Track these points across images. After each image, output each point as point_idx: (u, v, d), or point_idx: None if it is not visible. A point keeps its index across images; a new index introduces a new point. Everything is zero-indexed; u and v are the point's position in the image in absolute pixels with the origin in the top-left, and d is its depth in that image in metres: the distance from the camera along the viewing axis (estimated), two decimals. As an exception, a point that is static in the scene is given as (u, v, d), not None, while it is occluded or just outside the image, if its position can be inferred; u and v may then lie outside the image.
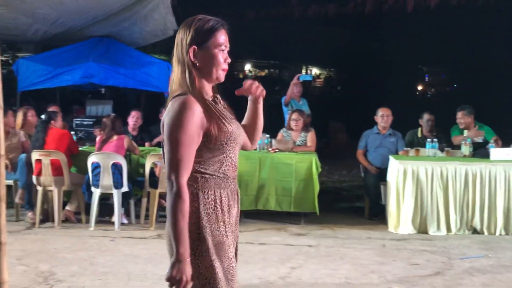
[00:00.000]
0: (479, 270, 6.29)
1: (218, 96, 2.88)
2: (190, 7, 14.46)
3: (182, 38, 2.76)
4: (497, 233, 7.92)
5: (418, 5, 12.79)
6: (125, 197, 8.21)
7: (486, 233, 7.93)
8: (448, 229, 7.94)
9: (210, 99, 2.81)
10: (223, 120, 2.75)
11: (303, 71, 27.57)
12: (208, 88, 2.83)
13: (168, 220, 2.65)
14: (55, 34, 11.35)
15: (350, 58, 23.86)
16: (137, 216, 8.45)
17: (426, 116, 9.31)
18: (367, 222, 8.75)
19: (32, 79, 10.44)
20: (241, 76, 28.92)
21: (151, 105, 13.43)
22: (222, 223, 2.71)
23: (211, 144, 2.69)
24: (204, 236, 2.67)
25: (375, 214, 8.88)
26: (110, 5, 9.99)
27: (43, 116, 8.50)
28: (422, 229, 7.97)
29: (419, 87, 24.64)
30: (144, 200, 8.34)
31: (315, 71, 29.75)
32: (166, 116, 2.67)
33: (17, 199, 8.36)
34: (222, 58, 2.81)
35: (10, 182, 8.40)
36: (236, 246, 2.87)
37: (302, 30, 22.32)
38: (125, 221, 8.33)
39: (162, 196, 8.39)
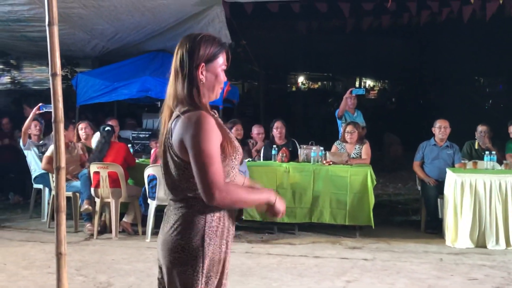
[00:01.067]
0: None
1: (215, 111, 2.94)
2: (244, 20, 14.57)
3: (190, 54, 2.82)
4: None
5: (474, 16, 12.61)
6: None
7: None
8: (508, 243, 7.77)
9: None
10: (230, 135, 2.85)
11: (357, 83, 27.40)
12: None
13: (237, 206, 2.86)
14: (112, 49, 11.59)
15: (404, 70, 23.59)
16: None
17: (479, 128, 9.17)
18: (424, 235, 8.61)
19: (90, 93, 10.65)
20: (294, 89, 28.91)
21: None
22: (224, 241, 2.80)
23: (222, 157, 2.75)
24: (205, 254, 2.73)
25: (433, 227, 8.74)
26: (165, 20, 10.15)
27: (107, 128, 8.63)
28: (480, 243, 7.82)
29: (476, 99, 24.19)
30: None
31: (369, 83, 29.54)
32: (185, 134, 2.69)
33: (83, 208, 8.46)
34: (222, 77, 2.92)
35: (69, 194, 8.57)
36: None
37: (356, 42, 22.18)
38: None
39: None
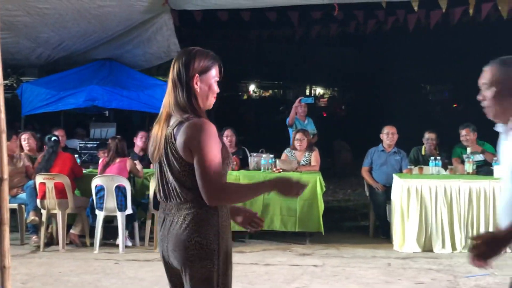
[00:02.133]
0: (485, 288, 6.27)
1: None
2: (194, 28, 14.56)
3: (186, 66, 3.10)
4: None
5: (419, 24, 12.85)
6: (129, 219, 8.21)
7: (492, 250, 7.88)
8: (453, 247, 7.91)
9: None
10: (223, 141, 3.10)
11: (307, 91, 27.66)
12: None
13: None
14: (59, 57, 11.43)
15: (353, 78, 23.92)
16: (142, 238, 8.44)
17: (426, 135, 9.33)
18: (372, 240, 8.72)
19: (36, 103, 10.48)
20: (245, 97, 28.99)
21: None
22: (229, 235, 3.05)
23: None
24: (221, 247, 2.96)
25: (382, 232, 8.86)
26: (112, 28, 10.07)
27: (53, 138, 8.50)
28: (427, 248, 7.95)
29: (423, 106, 24.67)
30: (149, 222, 8.32)
31: (319, 91, 29.80)
32: (191, 138, 2.91)
33: (29, 219, 8.30)
34: (215, 87, 3.16)
35: (15, 205, 8.40)
36: None
37: (306, 51, 22.41)
38: (130, 244, 8.32)
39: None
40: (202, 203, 2.92)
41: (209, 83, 3.13)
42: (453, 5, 10.77)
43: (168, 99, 3.11)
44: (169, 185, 3.02)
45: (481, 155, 8.81)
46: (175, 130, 2.98)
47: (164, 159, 3.02)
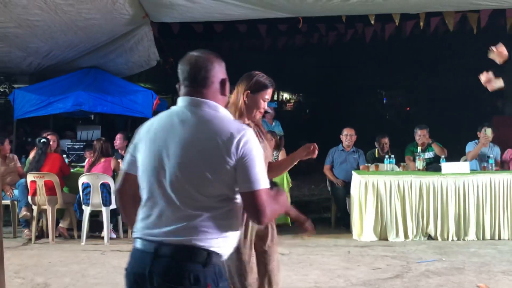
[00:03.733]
0: (434, 273, 6.35)
1: (251, 124, 3.76)
2: (172, 39, 14.51)
3: (244, 83, 3.74)
4: (450, 239, 8.00)
5: (375, 36, 12.96)
6: (113, 213, 8.16)
7: (439, 239, 8.01)
8: (406, 236, 8.01)
9: None
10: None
11: (275, 96, 27.68)
12: (246, 121, 3.73)
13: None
14: (48, 66, 11.30)
15: (317, 84, 24.03)
16: (125, 231, 8.39)
17: (381, 140, 9.39)
18: (334, 231, 8.77)
19: (27, 108, 10.34)
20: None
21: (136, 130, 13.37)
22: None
23: None
24: (247, 235, 3.59)
25: (343, 223, 8.93)
26: (97, 39, 9.99)
27: (43, 140, 8.41)
28: (383, 236, 8.03)
29: (378, 109, 24.90)
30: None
31: (286, 96, 29.86)
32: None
33: (21, 215, 8.21)
34: (262, 105, 3.73)
35: (8, 202, 8.31)
36: None
37: (273, 60, 22.45)
38: (114, 236, 8.28)
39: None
40: None
41: (257, 99, 3.66)
42: (405, 19, 10.89)
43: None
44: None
45: (430, 153, 8.93)
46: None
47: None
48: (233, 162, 2.36)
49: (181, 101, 2.55)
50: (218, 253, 2.44)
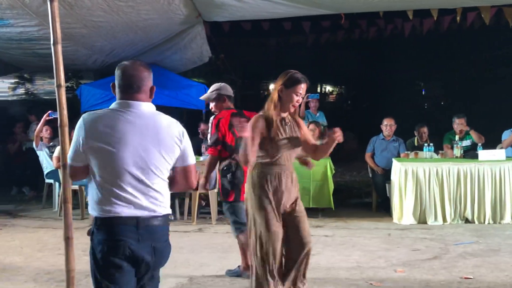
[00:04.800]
0: (471, 254, 6.22)
1: (288, 117, 4.08)
2: (223, 37, 14.54)
3: (279, 80, 4.02)
4: (486, 222, 7.84)
5: (414, 30, 12.71)
6: (171, 197, 8.24)
7: (476, 222, 7.85)
8: (444, 219, 7.87)
9: (279, 119, 4.02)
10: (278, 132, 3.95)
11: (318, 89, 27.47)
12: (282, 113, 4.04)
13: None
14: (111, 63, 11.50)
15: (357, 77, 23.75)
16: (181, 213, 8.50)
17: (418, 128, 9.23)
18: (375, 215, 8.70)
19: (92, 102, 10.55)
20: (265, 94, 28.89)
21: (192, 121, 13.49)
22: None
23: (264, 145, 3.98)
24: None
25: (383, 208, 8.83)
26: (155, 38, 10.10)
27: None
28: (421, 220, 7.91)
29: (417, 100, 24.45)
30: (187, 200, 8.39)
31: (328, 88, 29.60)
32: None
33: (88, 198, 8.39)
34: (295, 99, 3.99)
35: (76, 187, 8.50)
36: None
37: (316, 55, 22.28)
38: (172, 218, 8.38)
39: (202, 196, 8.44)
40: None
41: (290, 95, 3.94)
42: (443, 13, 10.64)
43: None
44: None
45: (468, 141, 8.75)
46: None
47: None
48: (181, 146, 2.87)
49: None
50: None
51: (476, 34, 14.42)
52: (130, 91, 2.89)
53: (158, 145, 2.80)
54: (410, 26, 12.36)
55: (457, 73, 19.94)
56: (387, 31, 13.44)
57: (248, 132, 3.82)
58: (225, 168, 5.32)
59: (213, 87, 5.61)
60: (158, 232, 2.83)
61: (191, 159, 2.95)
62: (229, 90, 5.58)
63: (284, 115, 4.05)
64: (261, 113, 4.03)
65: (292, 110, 4.03)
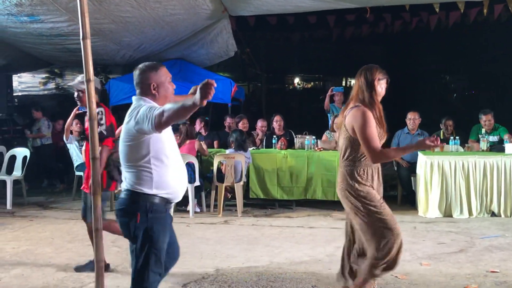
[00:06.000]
0: (497, 248, 6.12)
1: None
2: (248, 31, 14.52)
3: (372, 73, 3.99)
4: (513, 215, 7.71)
5: (439, 23, 12.52)
6: (197, 190, 8.30)
7: (502, 215, 7.71)
8: (470, 213, 7.76)
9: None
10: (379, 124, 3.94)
11: (343, 83, 27.29)
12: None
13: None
14: (139, 58, 11.57)
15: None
16: (208, 206, 8.53)
17: (446, 122, 9.10)
18: (400, 208, 8.59)
19: (121, 96, 10.65)
20: (290, 88, 28.83)
21: (218, 114, 13.52)
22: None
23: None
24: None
25: (408, 201, 8.73)
26: (181, 32, 10.13)
27: None
28: (447, 213, 7.81)
29: (443, 93, 24.14)
30: (213, 192, 8.41)
31: (353, 82, 29.41)
32: (355, 121, 3.86)
33: (117, 190, 8.44)
34: (383, 92, 4.06)
35: (105, 179, 8.57)
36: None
37: (341, 49, 22.15)
38: (198, 210, 8.42)
39: (227, 189, 8.46)
40: (355, 161, 3.97)
41: (382, 87, 4.01)
42: (469, 6, 10.45)
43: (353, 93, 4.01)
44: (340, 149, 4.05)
45: (495, 137, 8.60)
46: (347, 112, 3.95)
47: (341, 133, 3.98)
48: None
49: None
50: None
51: (503, 27, 14.14)
52: None
53: None
54: (436, 19, 12.18)
55: (483, 66, 19.63)
56: (412, 25, 13.26)
57: (370, 126, 3.81)
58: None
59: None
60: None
61: None
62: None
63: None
64: (361, 105, 3.92)
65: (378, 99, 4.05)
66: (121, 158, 3.43)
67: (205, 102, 3.07)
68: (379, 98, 4.00)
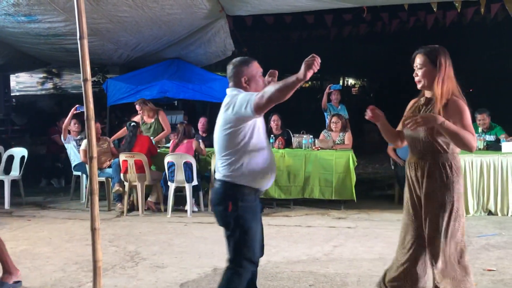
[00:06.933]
0: (494, 246, 6.13)
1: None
2: (245, 31, 14.51)
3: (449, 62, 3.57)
4: (509, 214, 7.72)
5: (436, 23, 12.55)
6: (195, 189, 8.30)
7: (499, 214, 7.73)
8: (467, 211, 7.75)
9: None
10: None
11: (341, 82, 27.30)
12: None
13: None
14: (136, 57, 11.57)
15: (379, 70, 23.55)
16: (206, 205, 8.53)
17: None
18: (397, 206, 8.57)
19: (118, 95, 10.63)
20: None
21: (215, 114, 13.50)
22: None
23: None
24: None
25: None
26: (178, 32, 10.12)
27: (133, 124, 8.66)
28: (444, 212, 7.80)
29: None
30: (211, 192, 8.41)
31: (350, 81, 29.38)
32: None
33: (114, 189, 8.45)
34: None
35: (103, 179, 8.59)
36: None
37: (339, 48, 22.14)
38: (196, 209, 8.42)
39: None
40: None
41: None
42: (466, 5, 10.47)
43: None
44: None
45: (492, 136, 8.60)
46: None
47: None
48: None
49: None
50: None
51: (500, 26, 14.16)
52: None
53: None
54: (433, 19, 12.20)
55: (480, 65, 19.66)
56: (410, 24, 13.28)
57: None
58: None
59: None
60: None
61: None
62: None
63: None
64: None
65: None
66: (216, 148, 3.59)
67: (309, 75, 3.16)
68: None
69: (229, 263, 3.50)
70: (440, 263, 3.45)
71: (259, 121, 3.52)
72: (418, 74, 3.62)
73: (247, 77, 3.58)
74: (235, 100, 3.42)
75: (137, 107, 9.45)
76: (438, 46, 3.65)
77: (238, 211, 3.42)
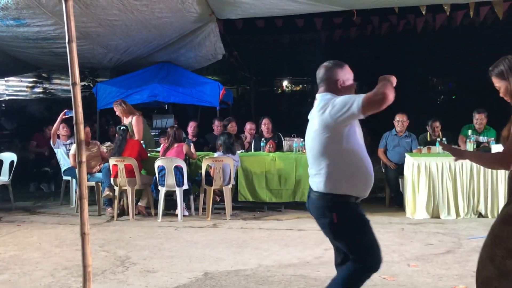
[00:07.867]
0: (485, 248, 6.15)
1: None
2: (236, 35, 14.53)
3: None
4: (500, 216, 7.74)
5: (426, 26, 12.61)
6: (186, 193, 8.27)
7: (490, 216, 7.76)
8: (457, 214, 7.80)
9: None
10: None
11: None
12: None
13: None
14: (126, 61, 11.54)
15: (370, 73, 23.65)
16: (196, 209, 8.51)
17: (431, 123, 9.16)
18: (388, 209, 8.64)
19: (108, 99, 10.60)
20: (279, 91, 28.86)
21: (206, 117, 13.50)
22: None
23: None
24: None
25: (396, 202, 8.77)
26: (169, 35, 10.11)
27: (122, 128, 8.61)
28: (435, 215, 7.85)
29: (430, 95, 24.29)
30: (201, 196, 8.40)
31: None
32: None
33: (105, 194, 8.40)
34: None
35: (93, 183, 8.55)
36: None
37: (329, 51, 22.21)
38: (186, 213, 8.40)
39: (216, 192, 8.45)
40: None
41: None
42: (455, 9, 10.54)
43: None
44: None
45: (485, 137, 8.66)
46: None
47: None
48: None
49: None
50: None
51: (489, 29, 14.27)
52: None
53: None
54: (422, 22, 12.26)
55: (470, 68, 19.80)
56: (400, 27, 13.35)
57: None
58: None
59: None
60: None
61: None
62: None
63: None
64: None
65: None
66: (310, 155, 3.42)
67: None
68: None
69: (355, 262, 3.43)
70: None
71: (356, 125, 3.36)
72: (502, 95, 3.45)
73: (342, 79, 3.45)
74: (334, 102, 3.22)
75: (114, 106, 9.33)
76: (502, 57, 3.44)
77: (345, 220, 3.35)
